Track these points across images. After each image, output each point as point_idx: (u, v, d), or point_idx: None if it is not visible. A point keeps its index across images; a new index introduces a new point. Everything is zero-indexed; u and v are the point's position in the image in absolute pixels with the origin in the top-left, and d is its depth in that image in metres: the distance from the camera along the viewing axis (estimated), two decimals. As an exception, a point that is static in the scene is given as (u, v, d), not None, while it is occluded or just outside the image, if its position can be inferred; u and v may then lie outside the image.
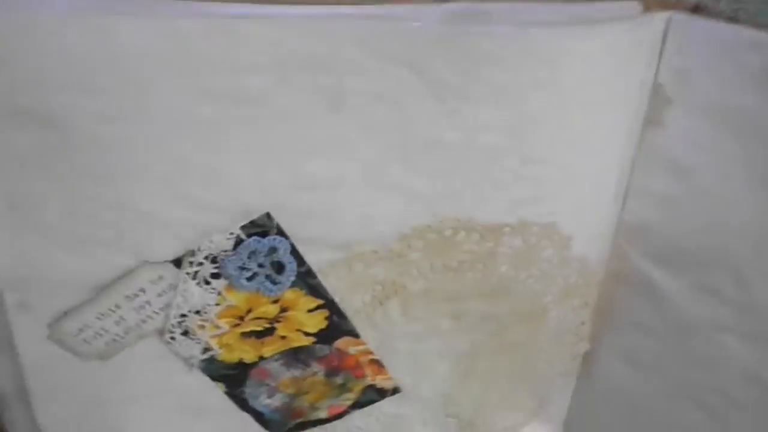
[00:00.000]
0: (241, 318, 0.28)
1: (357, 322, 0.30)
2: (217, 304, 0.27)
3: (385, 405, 0.34)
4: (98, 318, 0.26)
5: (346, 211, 0.26)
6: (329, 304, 0.29)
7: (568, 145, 0.27)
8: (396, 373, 0.32)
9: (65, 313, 0.26)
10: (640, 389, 0.35)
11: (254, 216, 0.25)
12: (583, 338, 0.35)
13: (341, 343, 0.30)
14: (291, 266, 0.27)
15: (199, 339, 0.28)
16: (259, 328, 0.29)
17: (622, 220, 0.32)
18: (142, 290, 0.26)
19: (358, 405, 0.33)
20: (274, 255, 0.26)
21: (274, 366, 0.30)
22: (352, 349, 0.31)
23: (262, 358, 0.30)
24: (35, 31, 0.20)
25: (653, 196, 0.31)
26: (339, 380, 0.32)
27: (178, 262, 0.26)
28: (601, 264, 0.33)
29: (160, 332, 0.28)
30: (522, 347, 0.33)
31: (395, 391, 0.33)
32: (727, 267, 0.30)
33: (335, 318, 0.29)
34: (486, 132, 0.26)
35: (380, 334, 0.30)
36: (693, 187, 0.30)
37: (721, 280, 0.30)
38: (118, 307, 0.26)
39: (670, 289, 0.32)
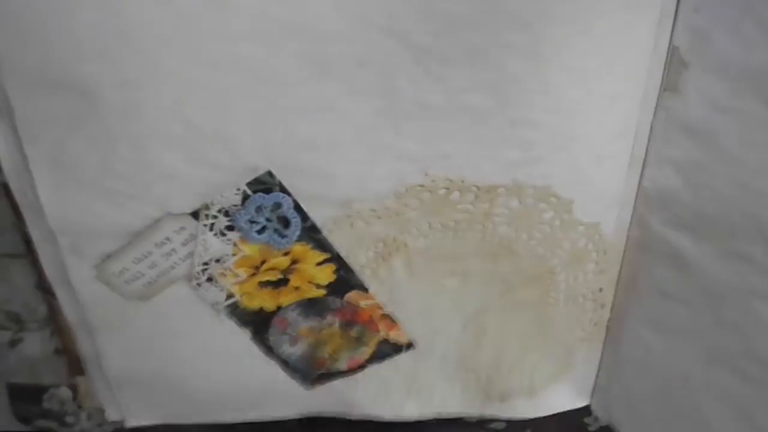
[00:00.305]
0: (257, 268, 0.31)
1: (364, 277, 0.32)
2: (234, 254, 0.31)
3: (403, 359, 0.36)
4: (134, 262, 0.30)
5: (343, 171, 0.29)
6: (336, 259, 0.31)
7: (560, 110, 0.27)
8: (409, 330, 0.34)
9: (108, 256, 0.30)
10: (670, 356, 0.34)
11: (258, 173, 0.28)
12: (603, 305, 0.35)
13: (351, 296, 0.33)
14: (295, 221, 0.30)
15: (222, 286, 0.32)
16: (273, 279, 0.32)
17: (641, 188, 0.32)
18: (168, 239, 0.30)
19: (375, 358, 0.36)
20: (279, 210, 0.29)
21: (292, 315, 0.33)
22: (363, 303, 0.33)
23: (280, 307, 0.33)
24: (59, 9, 0.24)
25: (673, 163, 0.30)
26: (354, 333, 0.34)
27: (196, 215, 0.29)
28: (621, 232, 0.33)
29: (188, 278, 0.31)
30: (533, 307, 0.33)
31: (410, 346, 0.35)
32: (755, 233, 0.29)
33: (342, 272, 0.32)
34: (470, 94, 0.27)
35: (388, 289, 0.32)
36: (715, 153, 0.29)
37: (750, 247, 0.29)
38: (149, 253, 0.30)
39: (696, 256, 0.31)
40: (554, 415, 0.39)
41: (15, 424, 0.38)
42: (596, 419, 0.39)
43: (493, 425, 0.39)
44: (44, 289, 0.34)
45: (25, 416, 0.38)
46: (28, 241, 0.31)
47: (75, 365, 0.36)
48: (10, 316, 0.34)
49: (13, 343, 0.35)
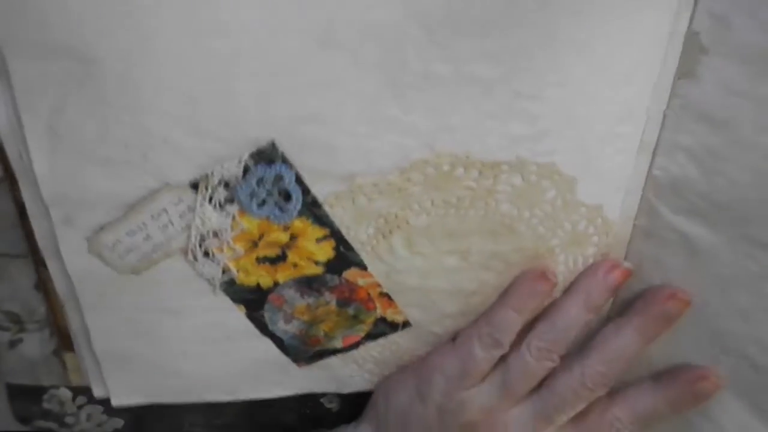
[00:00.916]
0: (255, 243, 0.31)
1: (363, 255, 0.31)
2: (233, 228, 0.30)
3: (398, 337, 0.35)
4: (129, 234, 0.30)
5: (346, 144, 0.28)
6: (335, 235, 0.31)
7: (566, 84, 0.27)
8: (406, 308, 0.34)
9: (101, 228, 0.30)
10: (677, 345, 0.34)
11: (260, 145, 0.28)
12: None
13: (349, 274, 0.32)
14: (297, 195, 0.29)
15: (218, 260, 0.31)
16: (272, 254, 0.31)
17: (651, 176, 0.31)
18: (165, 210, 0.29)
19: (370, 336, 0.35)
20: (281, 183, 0.29)
21: (289, 293, 0.33)
22: (361, 281, 0.33)
23: (277, 283, 0.32)
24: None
25: (686, 150, 0.30)
26: (351, 311, 0.34)
27: (195, 186, 0.29)
28: (627, 220, 0.32)
29: (184, 252, 0.31)
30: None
31: (406, 324, 0.35)
32: None
33: (342, 249, 0.31)
34: (476, 64, 0.26)
35: (387, 266, 0.32)
36: (731, 140, 0.28)
37: (765, 232, 0.29)
38: (145, 225, 0.30)
39: (708, 243, 0.30)
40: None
41: (15, 424, 0.38)
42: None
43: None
44: (42, 288, 0.33)
45: (25, 416, 0.37)
46: (28, 241, 0.31)
47: (65, 341, 0.36)
48: (9, 316, 0.34)
49: (13, 344, 0.35)
